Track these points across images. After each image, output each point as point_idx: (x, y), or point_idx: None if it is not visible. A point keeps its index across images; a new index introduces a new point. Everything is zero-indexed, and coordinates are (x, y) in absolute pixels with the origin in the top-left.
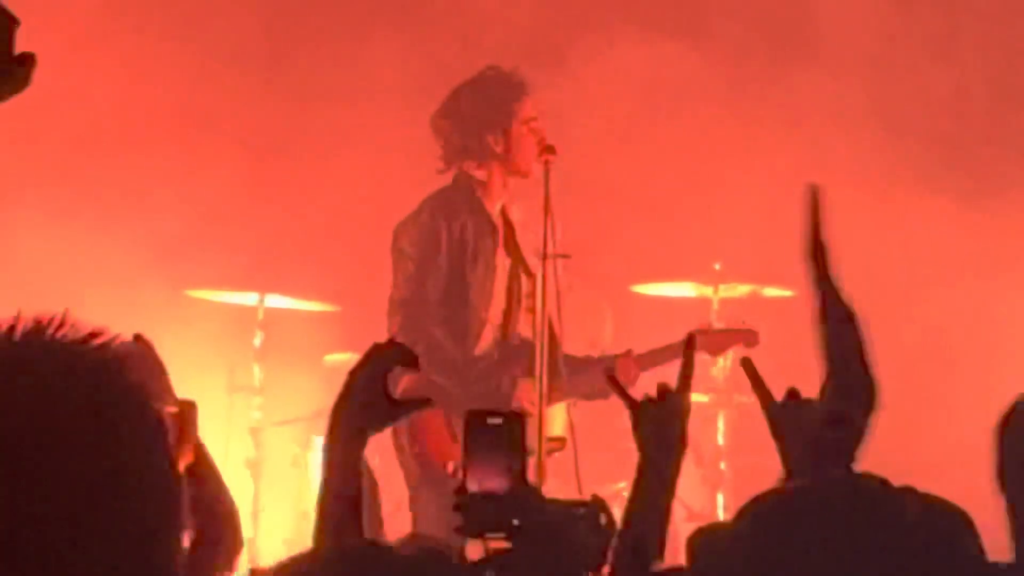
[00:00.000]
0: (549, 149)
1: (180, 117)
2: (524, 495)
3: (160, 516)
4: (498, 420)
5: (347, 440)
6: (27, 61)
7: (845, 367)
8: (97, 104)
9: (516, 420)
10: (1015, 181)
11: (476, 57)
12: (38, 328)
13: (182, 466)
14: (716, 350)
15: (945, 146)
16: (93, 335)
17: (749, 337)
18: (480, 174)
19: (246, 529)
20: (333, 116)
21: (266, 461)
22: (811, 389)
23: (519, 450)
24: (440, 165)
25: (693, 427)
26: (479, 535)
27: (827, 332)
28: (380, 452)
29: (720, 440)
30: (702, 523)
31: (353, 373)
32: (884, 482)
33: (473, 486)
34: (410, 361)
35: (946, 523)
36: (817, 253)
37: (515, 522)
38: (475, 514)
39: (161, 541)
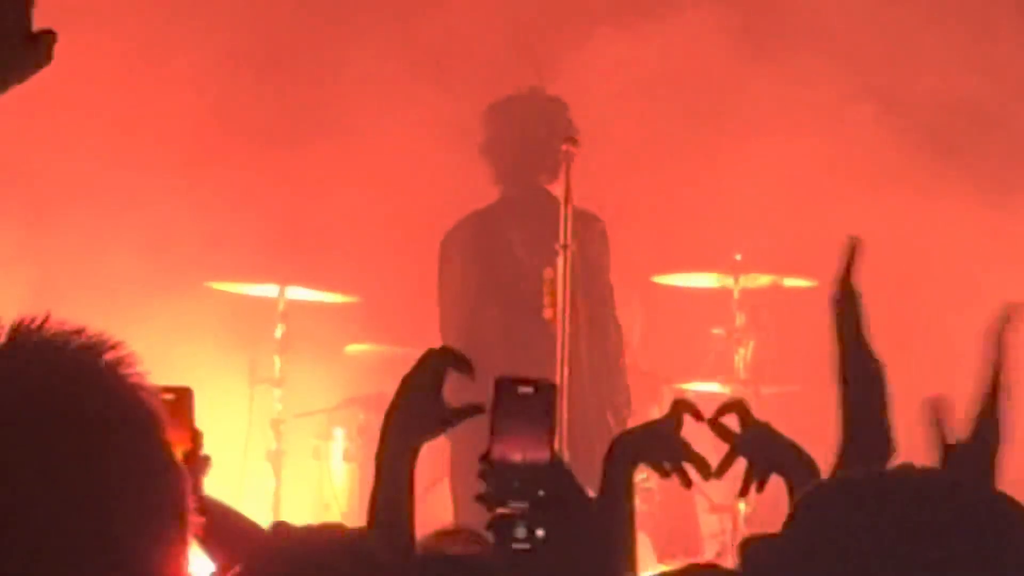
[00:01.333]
0: (571, 140)
1: (200, 109)
2: (552, 466)
3: (154, 506)
4: (529, 389)
5: (399, 448)
6: (48, 37)
7: (866, 428)
8: (116, 96)
9: (548, 389)
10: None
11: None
12: (19, 328)
13: (179, 453)
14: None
15: (962, 132)
16: (76, 332)
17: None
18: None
19: (267, 520)
20: (353, 107)
21: (287, 453)
22: (827, 375)
23: (550, 420)
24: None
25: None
26: (501, 503)
27: (849, 391)
28: None
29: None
30: (723, 515)
31: (406, 379)
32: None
33: (499, 455)
34: (464, 366)
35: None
36: (845, 302)
37: (540, 492)
38: (500, 482)
39: (155, 532)
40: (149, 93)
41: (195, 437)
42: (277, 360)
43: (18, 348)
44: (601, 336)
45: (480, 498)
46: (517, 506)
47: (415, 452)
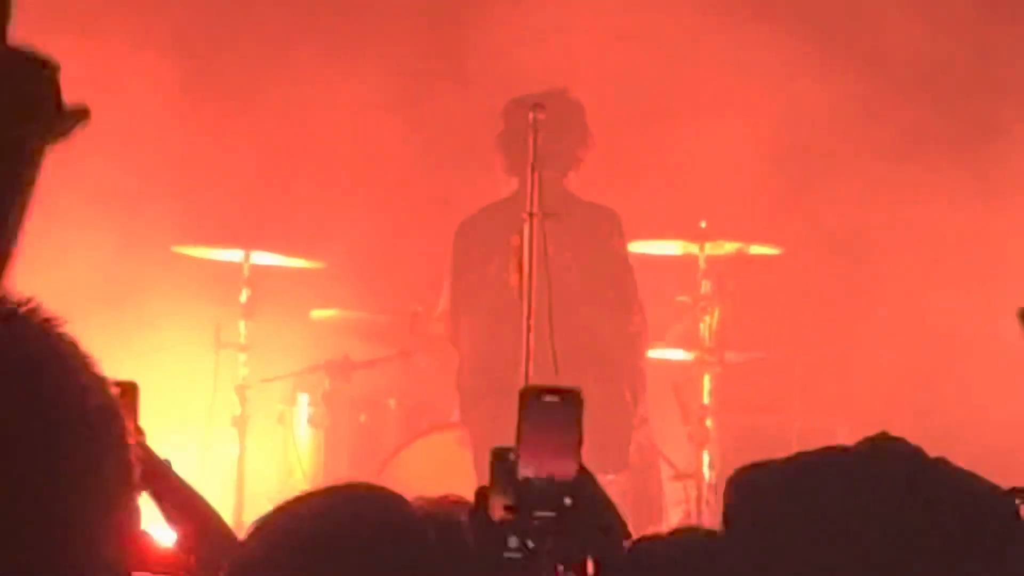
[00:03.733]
0: (537, 106)
1: (166, 75)
2: (579, 475)
3: (110, 491)
4: (555, 398)
5: None
6: (80, 115)
7: None
8: (79, 63)
9: (574, 398)
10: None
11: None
12: None
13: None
14: None
15: (928, 100)
16: (20, 304)
17: None
18: None
19: (231, 485)
20: (319, 75)
21: (252, 418)
22: (792, 343)
23: (576, 429)
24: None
25: (680, 385)
26: (529, 513)
27: None
28: (370, 408)
29: (706, 399)
30: (687, 482)
31: None
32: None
33: (527, 465)
34: None
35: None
36: None
37: (567, 501)
38: (529, 492)
39: (108, 505)
40: (114, 60)
41: (139, 432)
42: (242, 325)
43: None
44: (624, 319)
45: (508, 509)
46: (544, 515)
47: None
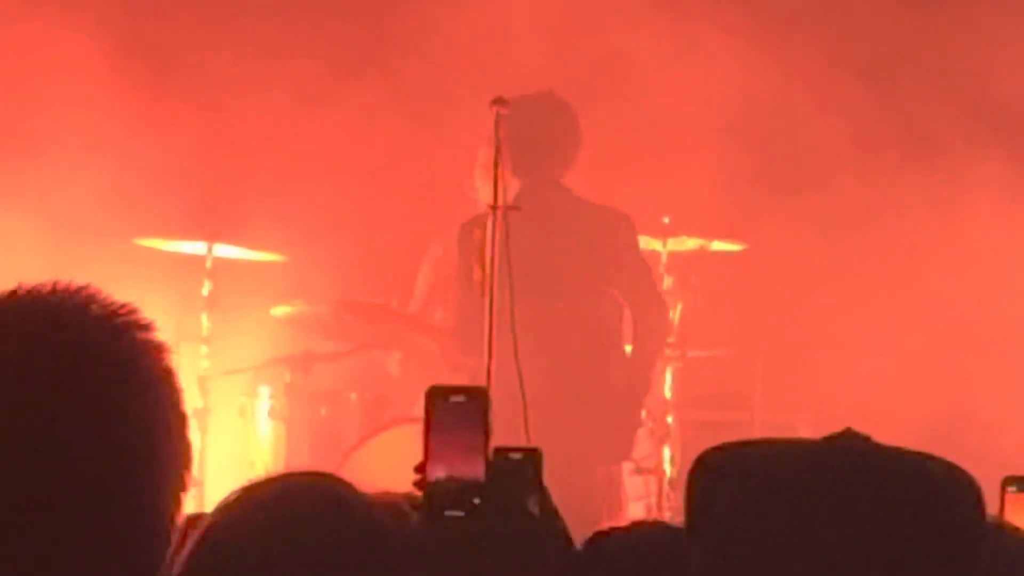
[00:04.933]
0: (500, 101)
1: (129, 67)
2: (487, 474)
3: (174, 455)
4: (461, 397)
5: None
6: None
7: None
8: (40, 55)
9: (480, 397)
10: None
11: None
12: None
13: None
14: None
15: (892, 91)
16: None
17: None
18: None
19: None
20: (279, 66)
21: (213, 410)
22: (754, 339)
23: (484, 427)
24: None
25: None
26: (439, 513)
27: None
28: (329, 402)
29: (667, 394)
30: (648, 477)
31: None
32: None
33: (436, 465)
34: None
35: (946, 482)
36: None
37: (476, 500)
38: (437, 493)
39: (174, 479)
40: (76, 51)
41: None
42: (204, 317)
43: (58, 307)
44: (642, 316)
45: (416, 507)
46: (454, 515)
47: None
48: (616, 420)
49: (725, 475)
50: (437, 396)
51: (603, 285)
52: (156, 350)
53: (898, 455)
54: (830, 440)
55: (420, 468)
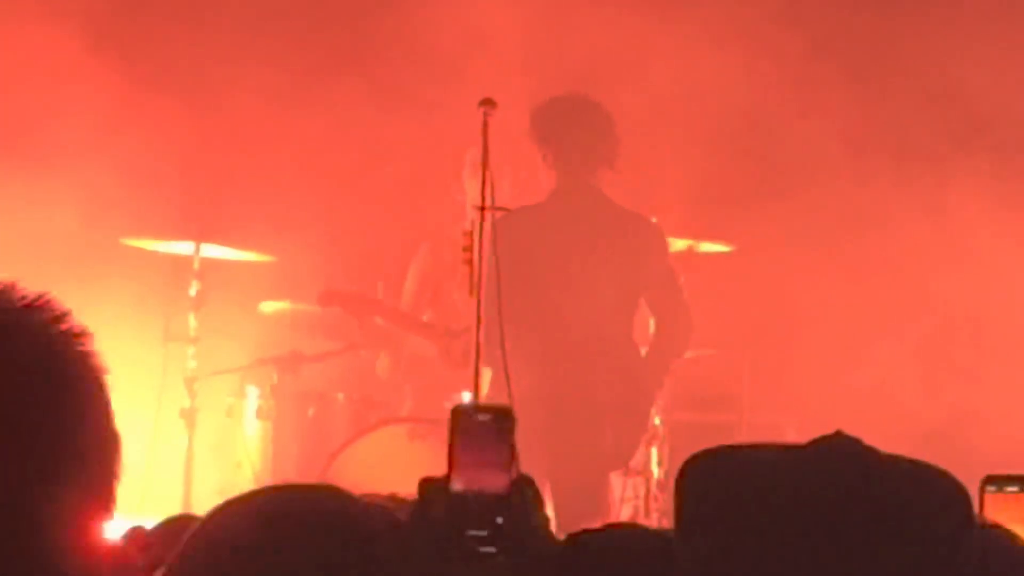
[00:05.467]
0: (488, 102)
1: (118, 68)
2: (511, 494)
3: (96, 476)
4: (487, 416)
5: None
6: None
7: None
8: (27, 56)
9: (505, 415)
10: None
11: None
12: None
13: None
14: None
15: (879, 95)
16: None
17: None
18: None
19: (179, 478)
20: (265, 68)
21: (201, 411)
22: (742, 340)
23: (508, 446)
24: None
25: None
26: (461, 532)
27: None
28: (316, 402)
29: None
30: (636, 479)
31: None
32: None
33: (459, 483)
34: None
35: (931, 487)
36: None
37: (499, 520)
38: (460, 511)
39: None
40: (57, 56)
41: None
42: (192, 318)
43: None
44: (668, 324)
45: (439, 526)
46: (476, 534)
47: None
48: (627, 424)
49: (714, 480)
50: (461, 414)
51: (632, 291)
52: (71, 338)
53: (888, 459)
54: (820, 443)
55: (431, 480)
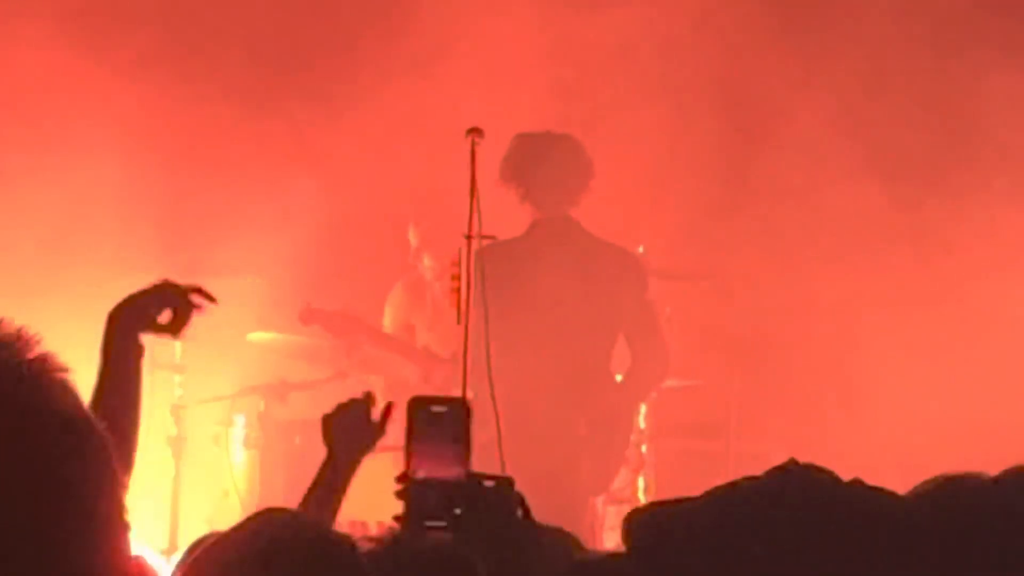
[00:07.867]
0: (475, 131)
1: (110, 97)
2: (468, 484)
3: (103, 512)
4: (442, 407)
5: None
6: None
7: None
8: (17, 83)
9: (461, 407)
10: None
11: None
12: None
13: None
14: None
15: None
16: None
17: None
18: None
19: (166, 506)
20: (263, 86)
21: (188, 439)
22: (729, 368)
23: (464, 438)
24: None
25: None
26: (420, 522)
27: None
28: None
29: (642, 423)
30: (622, 506)
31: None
32: (832, 475)
33: (417, 474)
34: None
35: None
36: None
37: (456, 511)
38: (418, 501)
39: (102, 536)
40: (46, 86)
41: None
42: (178, 346)
43: None
44: (644, 359)
45: (397, 518)
46: (435, 524)
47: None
48: (604, 453)
49: (659, 535)
50: (418, 406)
51: (609, 325)
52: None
53: (838, 484)
54: (775, 472)
55: (402, 477)
